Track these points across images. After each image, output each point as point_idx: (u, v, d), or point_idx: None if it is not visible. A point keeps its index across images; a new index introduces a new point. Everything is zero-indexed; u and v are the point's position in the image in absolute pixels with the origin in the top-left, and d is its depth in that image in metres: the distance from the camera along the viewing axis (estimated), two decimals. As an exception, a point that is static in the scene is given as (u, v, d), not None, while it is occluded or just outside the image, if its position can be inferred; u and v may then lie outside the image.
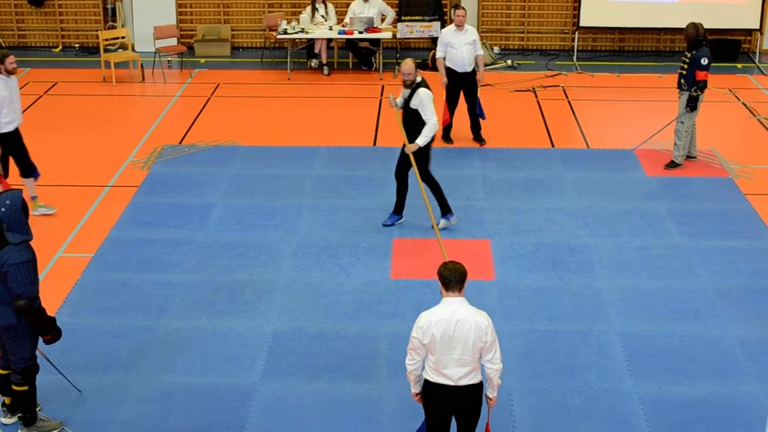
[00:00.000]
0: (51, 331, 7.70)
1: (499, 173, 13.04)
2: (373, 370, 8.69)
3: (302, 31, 17.57)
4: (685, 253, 10.85)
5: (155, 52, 17.87)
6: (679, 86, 13.04)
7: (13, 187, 9.99)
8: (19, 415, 7.87)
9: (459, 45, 13.70)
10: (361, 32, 17.43)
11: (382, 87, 16.92)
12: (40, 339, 7.79)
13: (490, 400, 6.96)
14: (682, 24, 18.54)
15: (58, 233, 11.34)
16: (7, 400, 8.02)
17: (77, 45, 19.75)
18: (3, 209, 7.34)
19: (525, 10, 19.53)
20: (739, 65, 18.62)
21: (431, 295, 9.95)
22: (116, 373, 8.61)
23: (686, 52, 12.84)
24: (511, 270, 10.48)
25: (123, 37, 18.40)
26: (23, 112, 15.61)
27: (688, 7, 18.45)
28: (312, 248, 10.92)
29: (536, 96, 16.59)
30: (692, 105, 12.82)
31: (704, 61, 12.57)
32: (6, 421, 8.06)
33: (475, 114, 14.06)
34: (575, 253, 10.84)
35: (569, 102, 16.30)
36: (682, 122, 12.94)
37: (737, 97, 16.52)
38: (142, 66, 17.63)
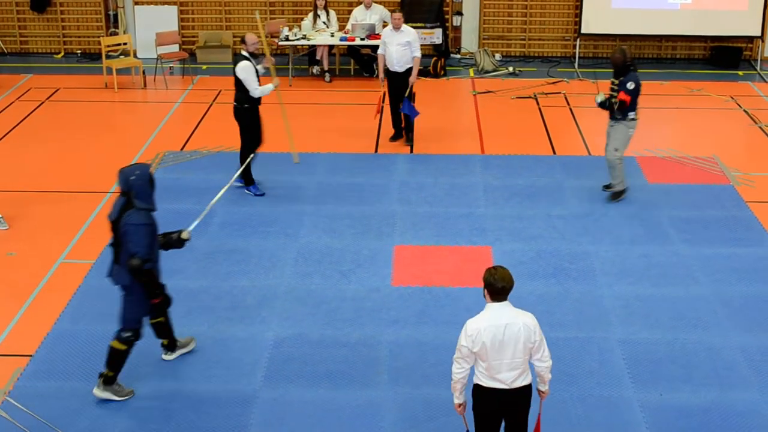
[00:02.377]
0: (159, 295, 8.26)
1: (501, 180, 13.04)
2: (375, 377, 8.68)
3: (304, 37, 17.60)
4: (687, 261, 10.85)
5: (157, 59, 17.89)
6: (612, 115, 12.17)
7: None
8: (102, 372, 8.33)
9: (391, 44, 14.06)
10: (362, 39, 17.45)
11: (384, 94, 16.91)
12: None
13: (542, 393, 7.02)
14: (683, 31, 18.72)
15: (59, 239, 11.35)
16: (165, 342, 8.86)
17: (79, 51, 19.79)
18: (133, 177, 8.09)
19: (526, 17, 19.56)
20: (740, 72, 18.64)
21: (432, 302, 9.96)
22: (118, 380, 8.60)
23: (614, 79, 12.06)
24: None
25: (125, 44, 18.42)
26: (25, 118, 15.69)
27: (689, 15, 18.49)
28: (313, 255, 10.92)
29: (537, 103, 16.60)
30: (615, 107, 12.00)
31: (630, 86, 11.80)
32: (167, 357, 8.92)
33: (405, 113, 14.19)
34: (576, 261, 10.84)
35: (570, 109, 16.30)
36: (616, 149, 12.11)
37: (738, 105, 16.53)
38: (143, 72, 17.65)
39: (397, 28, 14.02)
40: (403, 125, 14.47)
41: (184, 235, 8.59)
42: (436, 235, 11.44)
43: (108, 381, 8.32)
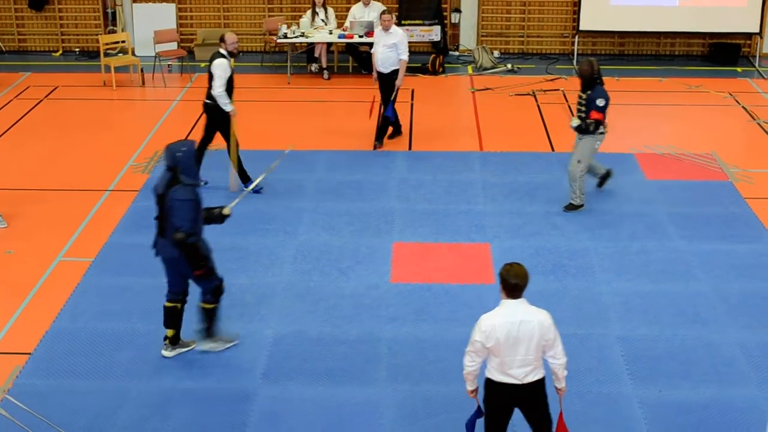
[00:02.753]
0: (203, 267, 8.50)
1: (499, 177, 13.04)
2: (374, 374, 8.68)
3: (302, 35, 17.59)
4: (685, 257, 10.85)
5: (155, 57, 17.89)
6: (579, 129, 11.72)
7: None
8: (203, 327, 8.86)
9: (378, 45, 14.03)
10: (361, 36, 17.44)
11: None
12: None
13: (560, 390, 7.05)
14: (682, 28, 18.72)
15: (58, 237, 11.34)
16: (170, 333, 8.89)
17: (77, 49, 19.78)
18: (179, 154, 8.38)
19: (525, 14, 19.56)
20: (739, 69, 18.64)
21: (432, 299, 9.96)
22: (116, 378, 8.61)
23: (581, 93, 11.65)
24: (511, 274, 10.47)
25: (123, 42, 18.41)
26: (23, 116, 15.68)
27: (688, 11, 18.49)
28: (312, 252, 10.92)
29: (536, 100, 16.60)
30: (591, 128, 11.57)
31: (600, 102, 11.37)
32: (167, 353, 8.91)
33: (386, 114, 14.13)
34: (575, 257, 10.84)
35: (569, 106, 16.29)
36: (579, 161, 11.76)
37: (737, 101, 16.53)
38: (142, 70, 17.64)
39: (386, 29, 13.95)
40: (380, 124, 14.33)
41: (225, 211, 8.91)
42: (435, 233, 11.44)
43: (209, 334, 8.91)
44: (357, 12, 17.81)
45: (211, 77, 12.21)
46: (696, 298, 10.00)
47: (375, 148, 14.17)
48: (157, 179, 8.67)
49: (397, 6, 18.72)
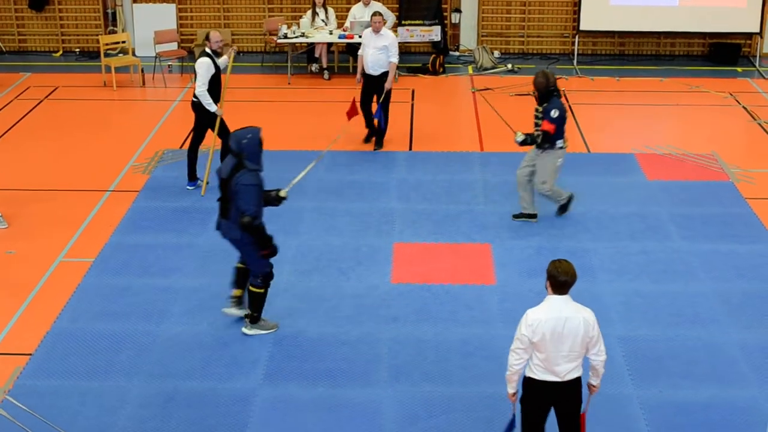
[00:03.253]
0: (268, 247, 8.96)
1: (500, 177, 13.03)
2: (374, 375, 8.68)
3: (302, 35, 17.59)
4: (686, 257, 10.85)
5: (156, 57, 17.88)
6: (524, 143, 11.36)
7: None
8: (248, 313, 9.23)
9: (368, 47, 13.93)
10: (361, 36, 17.41)
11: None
12: None
13: (594, 387, 7.08)
14: (682, 28, 18.72)
15: (58, 238, 11.34)
16: (237, 293, 9.38)
17: (78, 50, 19.78)
18: (244, 141, 8.75)
19: (525, 14, 19.55)
20: (739, 69, 18.64)
21: (432, 299, 9.96)
22: (117, 378, 8.61)
23: (538, 106, 11.29)
24: (511, 274, 10.48)
25: (123, 42, 18.41)
26: (24, 117, 15.68)
27: (688, 11, 18.48)
28: (312, 252, 10.92)
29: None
30: (538, 140, 11.27)
31: (554, 114, 11.02)
32: (229, 311, 9.44)
33: (376, 117, 14.07)
34: (576, 258, 10.81)
35: (570, 106, 16.28)
36: (543, 182, 11.35)
37: (738, 101, 16.52)
38: (142, 70, 17.64)
39: (376, 31, 13.90)
40: (375, 129, 14.29)
41: (281, 194, 9.32)
42: (436, 233, 11.44)
43: (255, 320, 9.25)
44: (357, 12, 17.79)
45: (196, 75, 12.30)
46: (696, 299, 9.99)
47: (377, 149, 14.16)
48: (221, 164, 9.03)
49: (397, 6, 18.71)
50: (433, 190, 12.65)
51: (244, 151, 8.74)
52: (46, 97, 16.77)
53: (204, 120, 12.47)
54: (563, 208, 11.77)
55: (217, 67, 12.37)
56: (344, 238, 11.28)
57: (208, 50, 12.35)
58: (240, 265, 9.33)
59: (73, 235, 11.46)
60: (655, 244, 11.13)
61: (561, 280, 6.64)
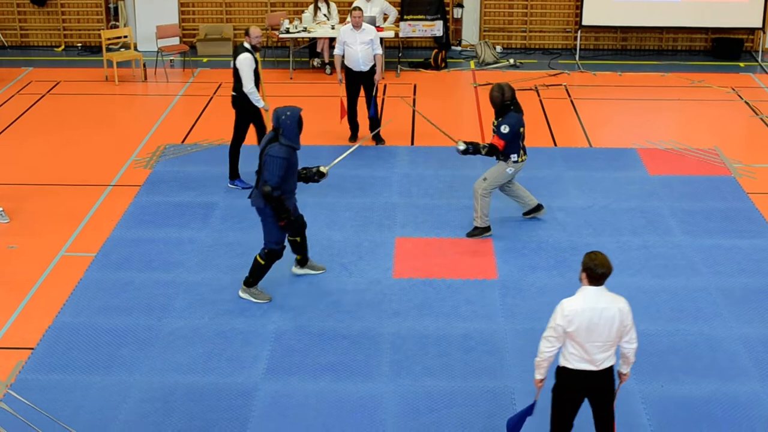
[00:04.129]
0: (285, 219, 9.38)
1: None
2: (376, 370, 8.69)
3: (305, 30, 17.58)
4: (688, 252, 10.84)
5: (157, 52, 17.89)
6: (465, 152, 11.11)
7: None
8: (246, 277, 9.78)
9: (354, 44, 13.78)
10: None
11: (384, 86, 16.92)
12: None
13: (624, 375, 7.13)
14: (685, 23, 18.71)
15: (60, 232, 11.35)
16: (298, 257, 10.22)
17: (80, 44, 19.77)
18: (283, 117, 9.24)
19: (527, 9, 19.53)
20: (741, 64, 18.62)
21: (434, 294, 9.96)
22: (118, 373, 8.62)
23: (494, 120, 10.99)
24: (513, 269, 10.48)
25: (125, 37, 18.40)
26: (26, 111, 15.69)
27: (690, 6, 18.47)
28: (314, 247, 10.90)
29: (539, 95, 16.59)
30: (482, 152, 11.02)
31: (504, 129, 10.67)
32: (296, 271, 10.31)
33: (369, 116, 13.99)
34: (577, 252, 10.81)
35: (572, 101, 16.29)
36: (484, 179, 11.07)
37: (740, 96, 16.51)
38: (144, 65, 17.64)
39: (357, 26, 13.81)
40: (370, 126, 14.21)
41: (322, 169, 9.91)
42: (437, 228, 11.44)
43: (248, 284, 9.78)
44: (360, 6, 17.77)
45: (236, 71, 12.23)
46: (698, 294, 9.99)
47: (380, 143, 14.14)
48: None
49: (399, 1, 18.69)
50: (434, 185, 12.65)
51: (281, 126, 9.24)
52: (48, 91, 16.77)
53: (246, 116, 12.42)
54: (473, 233, 11.20)
55: (256, 61, 12.35)
56: (346, 233, 11.28)
57: (247, 45, 12.28)
58: (290, 239, 9.99)
59: (75, 229, 11.47)
60: (656, 239, 11.13)
61: (599, 272, 6.73)
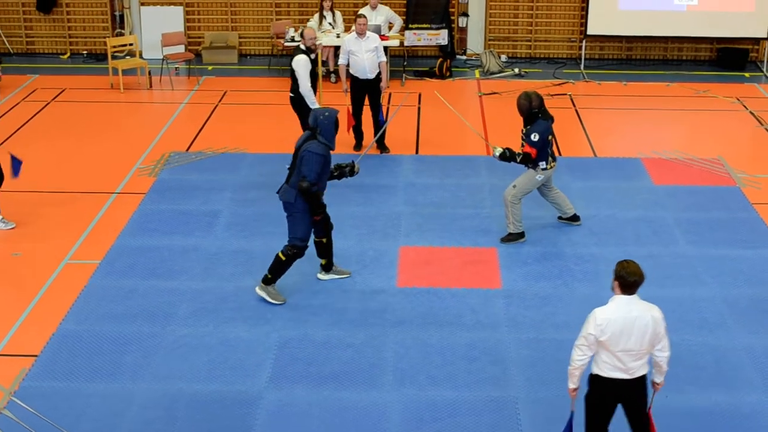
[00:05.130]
0: (320, 214, 9.73)
1: (506, 181, 12.96)
2: (380, 378, 8.67)
3: (310, 38, 17.56)
4: (692, 262, 10.83)
5: (163, 60, 17.91)
6: (502, 157, 11.11)
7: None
8: (265, 274, 9.86)
9: (360, 52, 13.84)
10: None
11: (389, 94, 16.93)
12: None
13: (658, 384, 7.13)
14: (690, 33, 18.71)
15: (65, 239, 11.36)
16: (323, 262, 10.29)
17: (85, 52, 19.80)
18: (321, 117, 9.54)
19: (532, 19, 19.54)
20: (746, 74, 18.61)
21: (438, 303, 9.95)
22: (122, 380, 8.62)
23: (523, 127, 11.01)
24: (517, 278, 10.47)
25: (131, 44, 18.44)
26: (31, 119, 15.71)
27: (695, 16, 18.47)
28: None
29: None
30: (518, 159, 11.02)
31: (534, 137, 10.71)
32: (322, 277, 10.35)
33: (378, 121, 13.97)
34: (582, 262, 10.82)
35: (576, 110, 16.29)
36: (513, 186, 11.14)
37: (745, 106, 16.50)
38: (149, 73, 17.66)
39: (362, 34, 13.86)
40: (375, 133, 14.21)
41: (356, 168, 10.20)
42: (442, 237, 11.43)
43: (266, 281, 9.88)
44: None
45: (293, 74, 12.61)
46: (702, 304, 9.97)
47: (382, 153, 14.14)
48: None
49: (404, 10, 18.71)
50: (439, 194, 12.65)
51: (319, 126, 9.51)
52: (54, 99, 16.80)
53: (305, 112, 12.56)
54: (507, 238, 11.27)
55: (312, 62, 12.62)
56: (350, 242, 11.28)
57: (302, 47, 12.52)
58: (316, 239, 10.14)
59: (80, 237, 11.47)
60: (661, 249, 11.11)
61: (631, 280, 6.79)
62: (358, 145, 14.26)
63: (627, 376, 6.86)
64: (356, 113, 14.05)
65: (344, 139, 14.43)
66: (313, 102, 12.64)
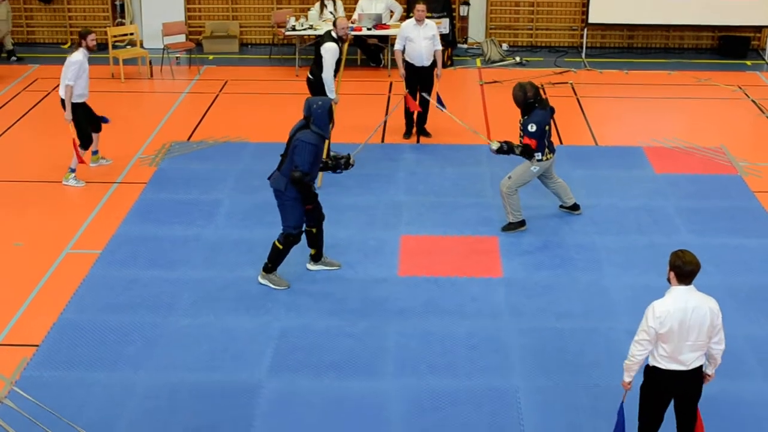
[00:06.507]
0: (312, 203, 9.76)
1: (507, 170, 12.95)
2: (381, 368, 8.68)
3: (310, 27, 17.56)
4: (694, 251, 10.56)
5: (164, 49, 17.89)
6: (500, 151, 11.08)
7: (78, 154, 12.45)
8: (265, 262, 9.96)
9: (418, 39, 13.77)
10: (369, 29, 17.42)
11: (390, 83, 16.91)
12: None
13: (709, 376, 7.13)
14: (691, 21, 18.67)
15: (66, 229, 11.36)
16: (312, 252, 10.27)
17: (86, 41, 19.74)
18: (315, 106, 9.50)
19: (534, 7, 19.51)
20: (748, 62, 18.58)
21: (439, 292, 9.95)
22: (124, 370, 8.62)
23: (521, 119, 10.93)
24: (518, 267, 10.47)
25: (131, 34, 18.42)
26: (32, 108, 15.70)
27: (697, 4, 18.42)
28: (319, 245, 10.92)
29: (545, 93, 16.55)
30: (516, 151, 10.97)
31: (531, 128, 10.62)
32: (311, 267, 10.34)
33: (426, 108, 14.00)
34: (583, 251, 10.82)
35: (578, 99, 16.27)
36: (509, 177, 11.11)
37: (746, 95, 16.47)
38: (150, 63, 17.64)
39: (420, 21, 13.77)
40: (415, 120, 14.24)
41: (352, 161, 10.18)
42: (443, 225, 11.43)
43: (267, 270, 9.98)
44: (365, 4, 17.79)
45: (318, 58, 12.68)
46: (704, 292, 9.92)
47: (428, 136, 14.31)
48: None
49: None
50: (440, 183, 12.64)
51: (312, 116, 9.48)
52: (54, 89, 16.74)
53: (319, 95, 12.61)
54: (507, 227, 11.27)
55: (341, 52, 12.73)
56: (351, 231, 11.27)
57: (334, 35, 12.67)
58: (306, 228, 10.08)
59: (81, 226, 11.47)
60: (662, 238, 11.10)
61: (687, 269, 6.74)
62: (408, 133, 14.25)
63: (684, 367, 6.85)
64: (411, 96, 14.02)
65: (344, 127, 14.46)
66: (331, 91, 12.69)
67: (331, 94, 12.61)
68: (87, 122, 12.75)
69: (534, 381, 8.49)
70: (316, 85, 12.82)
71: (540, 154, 10.88)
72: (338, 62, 12.79)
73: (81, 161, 12.51)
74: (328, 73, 12.63)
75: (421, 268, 10.44)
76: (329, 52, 12.59)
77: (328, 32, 12.81)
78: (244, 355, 8.87)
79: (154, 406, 8.16)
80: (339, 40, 12.74)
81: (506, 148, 10.98)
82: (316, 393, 8.32)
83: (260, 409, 8.11)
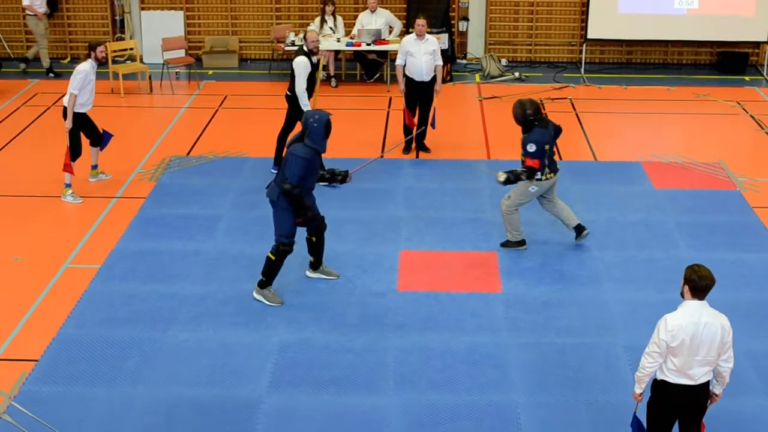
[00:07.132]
0: (303, 216, 9.71)
1: (507, 185, 12.99)
2: (380, 383, 8.67)
3: (310, 42, 17.58)
4: (693, 266, 10.79)
5: (163, 64, 17.92)
6: (507, 182, 10.90)
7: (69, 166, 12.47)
8: (260, 278, 9.96)
9: (418, 54, 13.78)
10: (369, 44, 17.46)
11: (390, 99, 16.94)
12: None
13: (717, 396, 7.11)
14: (690, 36, 18.72)
15: (65, 244, 11.36)
16: (312, 259, 10.37)
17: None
18: (311, 120, 9.56)
19: (532, 23, 19.56)
20: (746, 78, 18.62)
21: (438, 307, 9.95)
22: (123, 385, 8.61)
23: (522, 135, 10.78)
24: (518, 283, 10.46)
25: (131, 49, 18.45)
26: (32, 123, 15.71)
27: (696, 20, 18.48)
28: (319, 260, 10.92)
29: (544, 108, 16.57)
30: (523, 177, 10.80)
31: (531, 148, 10.47)
32: (309, 274, 10.46)
33: (425, 123, 14.00)
34: (582, 266, 10.82)
35: (577, 114, 16.30)
36: (508, 197, 11.04)
37: (745, 110, 16.50)
38: (150, 77, 17.67)
39: (421, 35, 13.81)
40: (414, 135, 14.26)
41: (349, 178, 10.35)
42: (442, 241, 11.43)
43: (261, 285, 9.97)
44: (364, 19, 17.83)
45: (292, 73, 12.84)
46: (703, 308, 9.94)
47: (428, 151, 14.32)
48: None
49: (404, 14, 18.73)
50: (439, 198, 12.65)
51: (308, 129, 9.54)
52: (54, 103, 16.80)
53: (297, 113, 12.88)
54: (506, 244, 11.23)
55: (313, 65, 12.83)
56: (350, 246, 11.27)
57: (305, 49, 12.78)
58: (308, 236, 10.21)
59: (80, 241, 11.47)
60: (661, 253, 11.11)
61: (703, 284, 6.77)
62: (407, 149, 14.26)
63: (692, 382, 6.85)
64: (413, 113, 14.07)
65: (340, 142, 14.47)
66: (305, 104, 12.77)
67: (305, 107, 12.68)
68: (84, 132, 12.94)
69: (534, 396, 8.48)
70: (294, 100, 12.91)
71: (539, 173, 10.76)
72: (313, 77, 12.82)
73: (67, 169, 12.46)
74: (300, 87, 12.73)
75: (421, 283, 10.44)
76: (299, 65, 12.68)
77: (300, 47, 12.89)
78: (244, 370, 8.86)
79: (153, 421, 8.14)
80: (310, 54, 12.76)
81: (513, 178, 10.79)
82: (316, 408, 8.31)
83: (260, 425, 8.10)
